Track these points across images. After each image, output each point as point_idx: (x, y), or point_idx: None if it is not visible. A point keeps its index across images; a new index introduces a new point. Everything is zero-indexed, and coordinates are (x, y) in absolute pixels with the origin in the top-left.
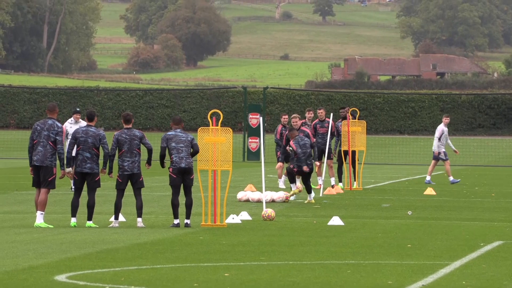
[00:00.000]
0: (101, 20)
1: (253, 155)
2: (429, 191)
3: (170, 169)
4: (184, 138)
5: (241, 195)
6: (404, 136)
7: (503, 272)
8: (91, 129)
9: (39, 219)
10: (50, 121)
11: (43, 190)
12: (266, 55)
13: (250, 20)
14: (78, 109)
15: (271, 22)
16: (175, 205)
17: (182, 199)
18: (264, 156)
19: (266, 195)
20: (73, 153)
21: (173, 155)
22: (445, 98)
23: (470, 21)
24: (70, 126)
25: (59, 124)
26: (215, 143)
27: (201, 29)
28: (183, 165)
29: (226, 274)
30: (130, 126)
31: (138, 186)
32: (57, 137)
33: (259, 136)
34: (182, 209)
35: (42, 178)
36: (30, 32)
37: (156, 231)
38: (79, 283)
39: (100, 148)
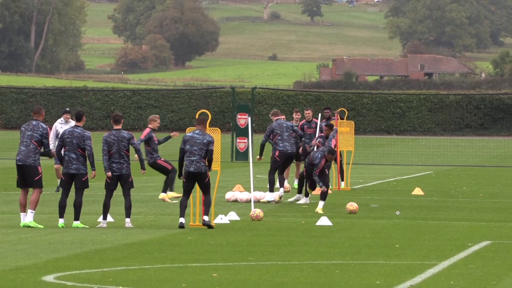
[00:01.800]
0: (89, 20)
1: (242, 155)
2: (417, 191)
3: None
4: (200, 141)
5: (229, 195)
6: (392, 136)
7: (491, 272)
8: (77, 129)
9: (29, 218)
10: (34, 122)
11: (34, 190)
12: (254, 55)
13: (238, 20)
14: (67, 109)
15: (259, 23)
16: (183, 206)
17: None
18: (252, 156)
19: (255, 195)
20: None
21: (186, 159)
22: (433, 99)
23: (458, 21)
24: (61, 126)
25: (44, 126)
26: None
27: (189, 30)
28: (191, 169)
29: (214, 275)
30: (120, 127)
31: (127, 187)
32: (43, 140)
33: (248, 136)
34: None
35: (27, 178)
36: (17, 32)
37: (144, 231)
38: (67, 284)
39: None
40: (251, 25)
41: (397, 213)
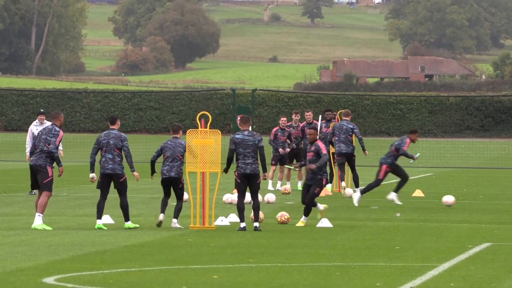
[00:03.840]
0: (89, 22)
1: None
2: (418, 193)
3: (236, 173)
4: (251, 142)
5: (226, 197)
6: (392, 138)
7: (491, 274)
8: (113, 131)
9: (37, 221)
10: (50, 126)
11: (43, 193)
12: (255, 57)
13: (239, 22)
14: (42, 111)
15: (260, 24)
16: (240, 209)
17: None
18: None
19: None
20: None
21: (239, 161)
22: (433, 100)
23: (458, 23)
24: (36, 128)
25: (57, 129)
26: (204, 145)
27: (190, 32)
28: (248, 171)
29: (214, 276)
30: (178, 135)
31: (179, 191)
32: (52, 139)
33: None
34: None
35: (39, 180)
36: (18, 34)
37: (145, 233)
38: (68, 286)
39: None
40: (252, 27)
41: (398, 215)
